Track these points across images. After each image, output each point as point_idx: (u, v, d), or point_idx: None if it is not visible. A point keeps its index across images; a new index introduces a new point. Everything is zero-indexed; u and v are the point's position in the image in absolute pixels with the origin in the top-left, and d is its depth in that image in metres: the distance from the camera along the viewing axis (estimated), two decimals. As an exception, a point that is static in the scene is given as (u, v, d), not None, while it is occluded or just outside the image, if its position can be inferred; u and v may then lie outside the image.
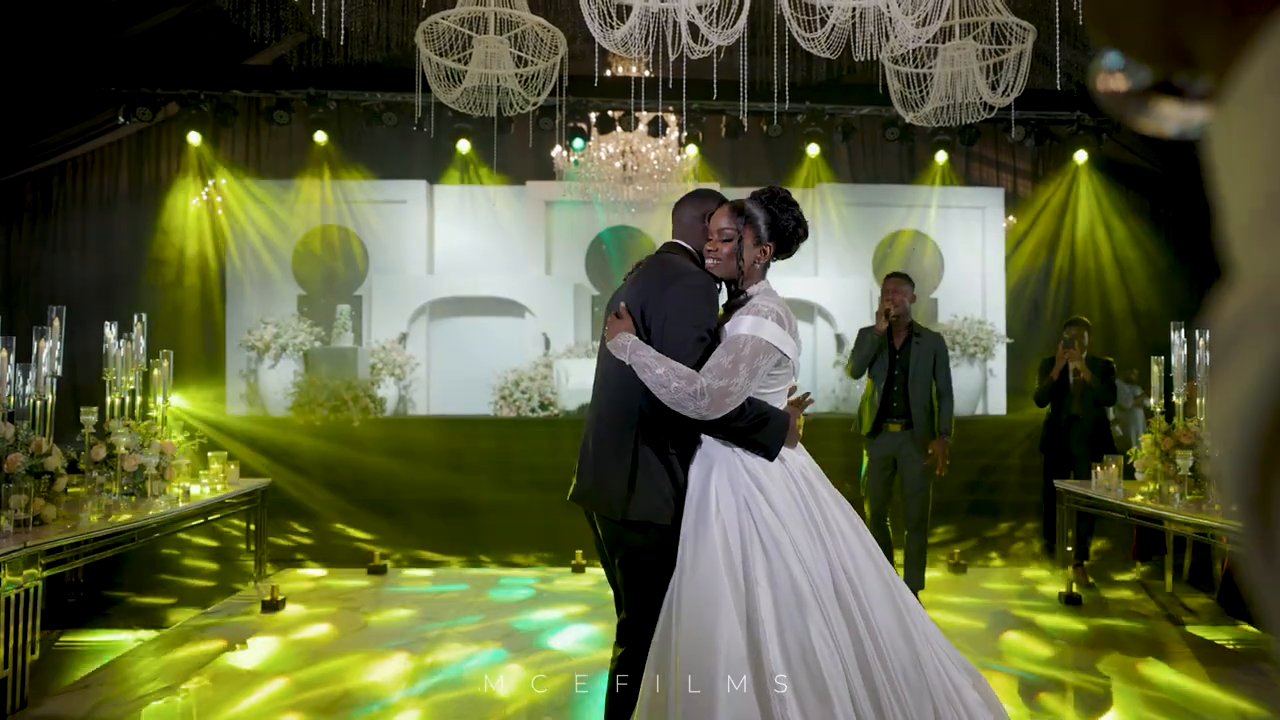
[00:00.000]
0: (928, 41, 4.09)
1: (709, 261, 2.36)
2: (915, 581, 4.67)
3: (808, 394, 2.50)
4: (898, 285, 4.64)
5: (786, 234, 2.37)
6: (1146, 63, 0.36)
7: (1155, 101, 0.38)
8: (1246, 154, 0.27)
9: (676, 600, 2.09)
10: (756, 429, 2.19)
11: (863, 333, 4.76)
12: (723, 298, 2.48)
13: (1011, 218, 10.46)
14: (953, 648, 2.30)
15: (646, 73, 7.40)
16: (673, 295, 2.28)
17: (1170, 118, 0.38)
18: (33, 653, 3.31)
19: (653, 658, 2.11)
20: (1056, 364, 5.56)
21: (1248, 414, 0.24)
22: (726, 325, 2.28)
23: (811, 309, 10.18)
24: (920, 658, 2.07)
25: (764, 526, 2.10)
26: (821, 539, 2.13)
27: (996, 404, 10.00)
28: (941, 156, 9.88)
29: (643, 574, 2.26)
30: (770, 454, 2.21)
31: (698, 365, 2.18)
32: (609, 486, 2.28)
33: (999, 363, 9.95)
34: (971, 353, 9.61)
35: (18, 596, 3.24)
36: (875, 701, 1.98)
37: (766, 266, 2.39)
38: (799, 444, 2.35)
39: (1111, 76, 0.38)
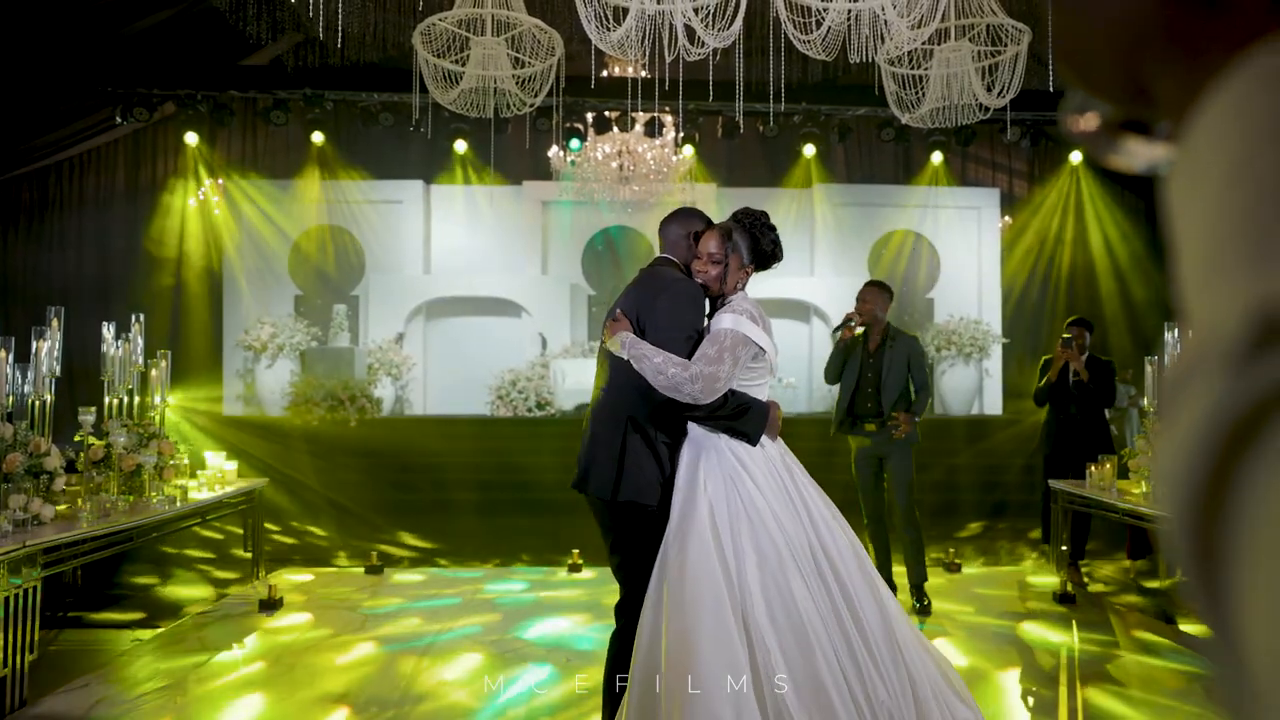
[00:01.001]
0: (923, 43, 4.11)
1: (698, 279, 2.61)
2: (917, 575, 4.74)
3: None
4: (867, 295, 4.76)
5: (766, 256, 2.63)
6: (1111, 103, 0.38)
7: (1124, 139, 0.39)
8: (1197, 198, 0.28)
9: (663, 566, 2.28)
10: (738, 417, 2.42)
11: (837, 343, 4.87)
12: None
13: (1007, 218, 10.49)
14: (929, 643, 2.49)
15: (643, 73, 7.42)
16: (664, 301, 2.53)
17: (1139, 155, 0.39)
18: (31, 652, 3.32)
19: (645, 626, 2.22)
20: (1055, 364, 5.51)
21: (1190, 461, 0.25)
22: (710, 323, 2.54)
23: (807, 309, 10.20)
24: (894, 625, 2.28)
25: (748, 499, 2.33)
26: (799, 516, 2.34)
27: (993, 404, 10.03)
28: (937, 157, 9.91)
29: (634, 552, 2.47)
30: (752, 440, 2.44)
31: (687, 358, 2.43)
32: (601, 472, 2.52)
33: (994, 362, 9.98)
34: (967, 353, 9.63)
35: (16, 596, 3.25)
36: (851, 655, 2.17)
37: (747, 281, 2.65)
38: (779, 437, 2.56)
39: (1081, 116, 0.40)
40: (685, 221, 2.70)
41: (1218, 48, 0.29)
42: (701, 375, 2.33)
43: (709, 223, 2.69)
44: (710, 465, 2.40)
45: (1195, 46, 0.30)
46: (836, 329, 4.77)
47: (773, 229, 2.63)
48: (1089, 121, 0.39)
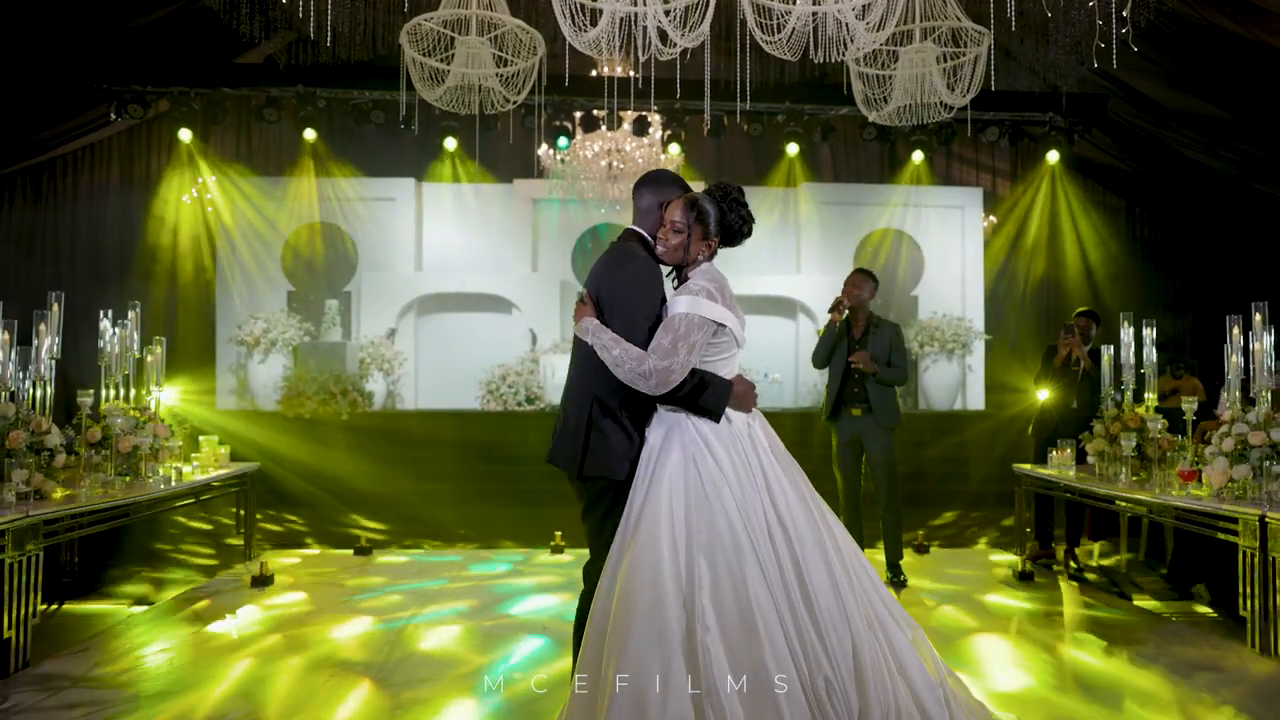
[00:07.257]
0: (887, 45, 4.30)
1: (658, 249, 2.61)
2: (894, 554, 4.96)
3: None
4: (855, 280, 4.97)
5: (732, 230, 2.62)
6: None
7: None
8: None
9: (616, 550, 2.35)
10: (697, 395, 2.44)
11: (827, 327, 5.06)
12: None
13: (992, 217, 10.70)
14: (892, 599, 2.52)
15: (633, 73, 7.59)
16: (621, 280, 2.55)
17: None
18: (34, 617, 3.49)
19: (596, 613, 2.35)
20: (1059, 352, 5.66)
21: None
22: (668, 304, 2.53)
23: (794, 306, 10.38)
24: (844, 602, 2.31)
25: (708, 478, 2.38)
26: (759, 491, 2.39)
27: (975, 399, 10.23)
28: (918, 156, 10.08)
29: (602, 522, 2.55)
30: (715, 416, 2.47)
31: (645, 344, 2.44)
32: (570, 447, 2.58)
33: (977, 358, 10.19)
34: (950, 349, 9.82)
35: (19, 563, 3.43)
36: (799, 634, 2.22)
37: (711, 255, 2.64)
38: (756, 410, 2.60)
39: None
40: (659, 190, 2.66)
41: None
42: (654, 371, 2.35)
43: (684, 191, 2.65)
44: (673, 444, 2.43)
45: None
46: (831, 309, 4.96)
47: (743, 204, 2.61)
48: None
